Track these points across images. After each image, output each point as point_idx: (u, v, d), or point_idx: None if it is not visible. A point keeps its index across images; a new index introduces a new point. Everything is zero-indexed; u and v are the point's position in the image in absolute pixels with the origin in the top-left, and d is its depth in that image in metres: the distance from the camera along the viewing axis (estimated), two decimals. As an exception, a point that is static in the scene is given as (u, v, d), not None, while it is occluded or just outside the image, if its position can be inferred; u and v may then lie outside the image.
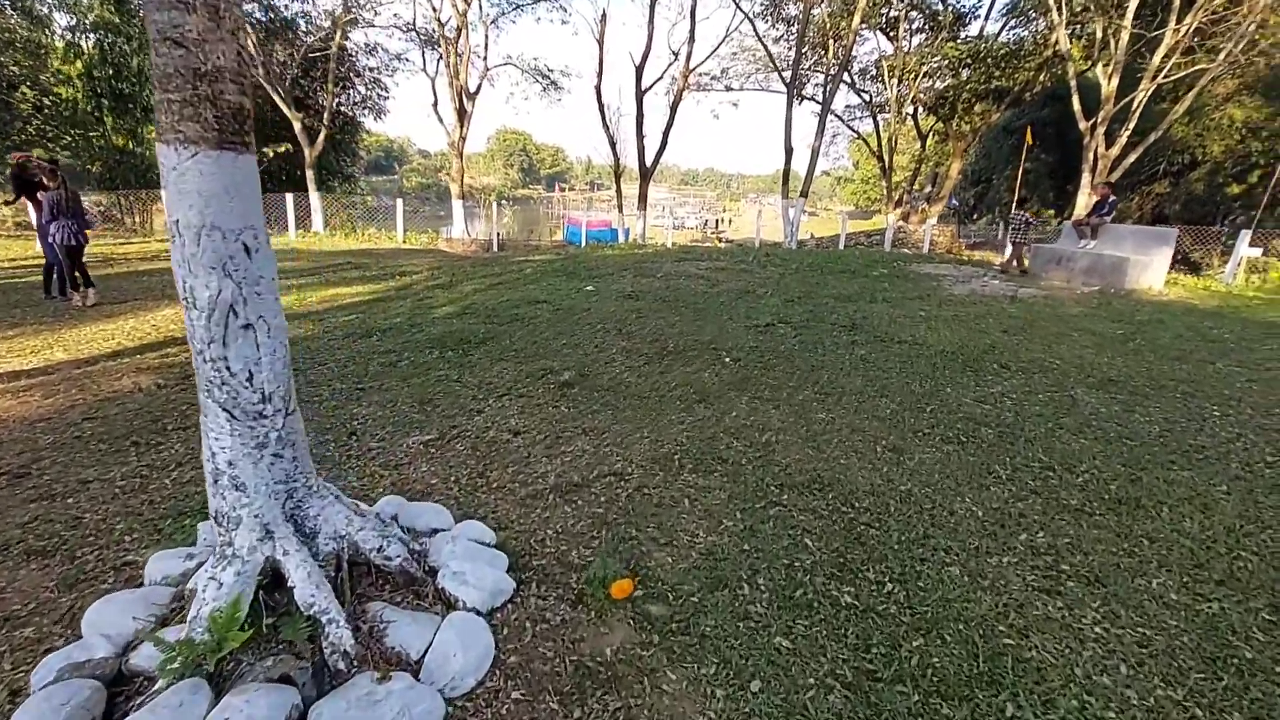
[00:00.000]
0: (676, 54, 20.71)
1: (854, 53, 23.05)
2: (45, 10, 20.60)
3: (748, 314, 6.94)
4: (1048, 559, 2.46)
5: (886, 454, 3.40)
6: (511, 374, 4.67)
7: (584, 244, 19.09)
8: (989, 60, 24.38)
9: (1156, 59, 16.83)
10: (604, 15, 19.74)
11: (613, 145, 20.91)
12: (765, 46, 20.61)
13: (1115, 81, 16.87)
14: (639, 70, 20.04)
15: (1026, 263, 11.31)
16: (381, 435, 3.51)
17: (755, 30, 19.98)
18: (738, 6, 18.65)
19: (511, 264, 11.75)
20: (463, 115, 20.03)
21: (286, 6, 24.76)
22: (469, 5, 19.57)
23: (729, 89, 32.15)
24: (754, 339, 5.76)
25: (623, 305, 7.31)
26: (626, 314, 6.77)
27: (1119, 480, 3.15)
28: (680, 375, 4.64)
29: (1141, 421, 4.03)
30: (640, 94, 20.33)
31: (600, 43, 19.78)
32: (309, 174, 19.72)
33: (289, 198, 16.20)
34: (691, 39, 19.06)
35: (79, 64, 20.29)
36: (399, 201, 16.67)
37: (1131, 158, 17.60)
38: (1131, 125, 17.46)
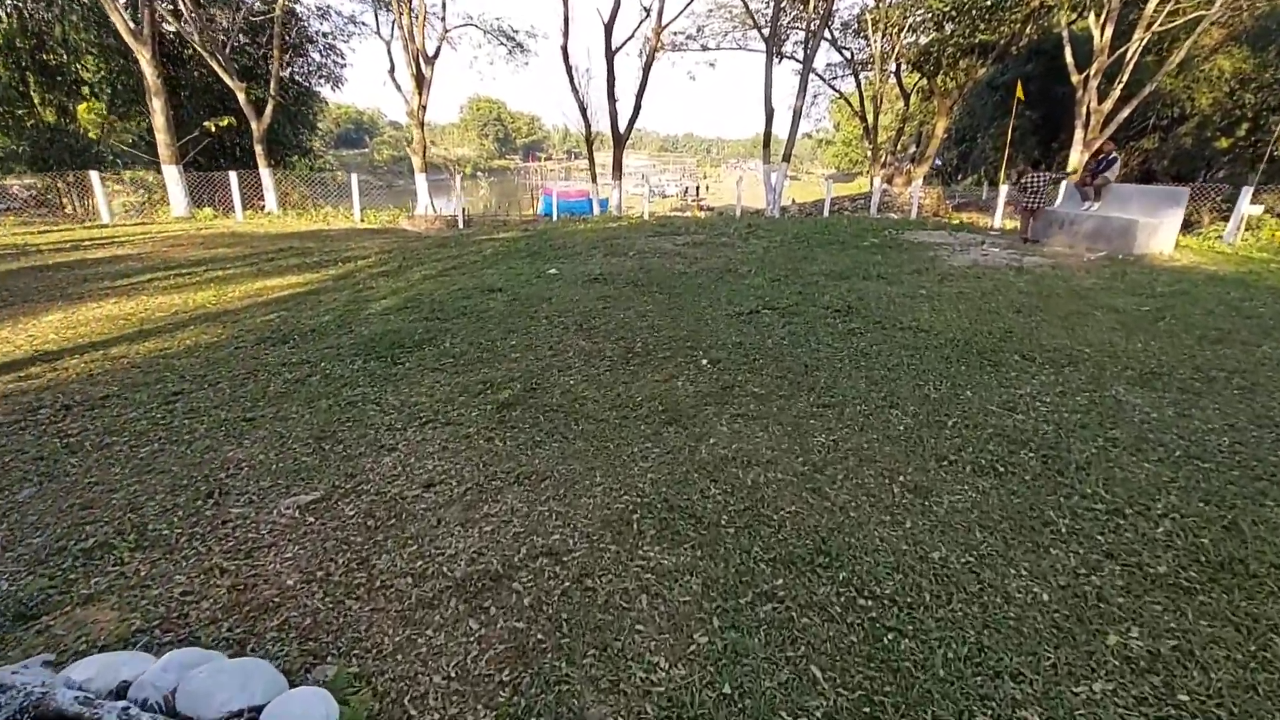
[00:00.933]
0: (648, 10, 19.42)
1: (835, 6, 21.87)
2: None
3: (729, 298, 6.13)
4: (1156, 683, 1.72)
5: (907, 497, 2.65)
6: (444, 390, 3.84)
7: (556, 217, 18.05)
8: (973, 13, 23.33)
9: (1150, 7, 15.96)
10: (568, -34, 18.39)
11: (583, 111, 19.71)
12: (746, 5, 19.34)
13: (1109, 32, 15.97)
14: (608, 29, 18.77)
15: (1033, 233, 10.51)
16: (251, 495, 2.68)
17: None
18: None
19: (473, 244, 10.79)
20: (421, 81, 18.68)
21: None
22: (422, -41, 18.08)
23: (705, 48, 30.73)
24: (736, 331, 4.96)
25: (588, 292, 6.46)
26: (591, 303, 5.93)
27: (1209, 529, 2.43)
28: (648, 385, 3.85)
29: (1203, 430, 3.32)
30: (610, 55, 19.08)
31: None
32: (258, 149, 18.36)
33: (233, 176, 14.95)
34: (663, -7, 17.78)
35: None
36: (353, 178, 15.47)
37: (1125, 112, 16.83)
38: (1125, 78, 16.66)
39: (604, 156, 25.66)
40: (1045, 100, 32.87)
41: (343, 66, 27.03)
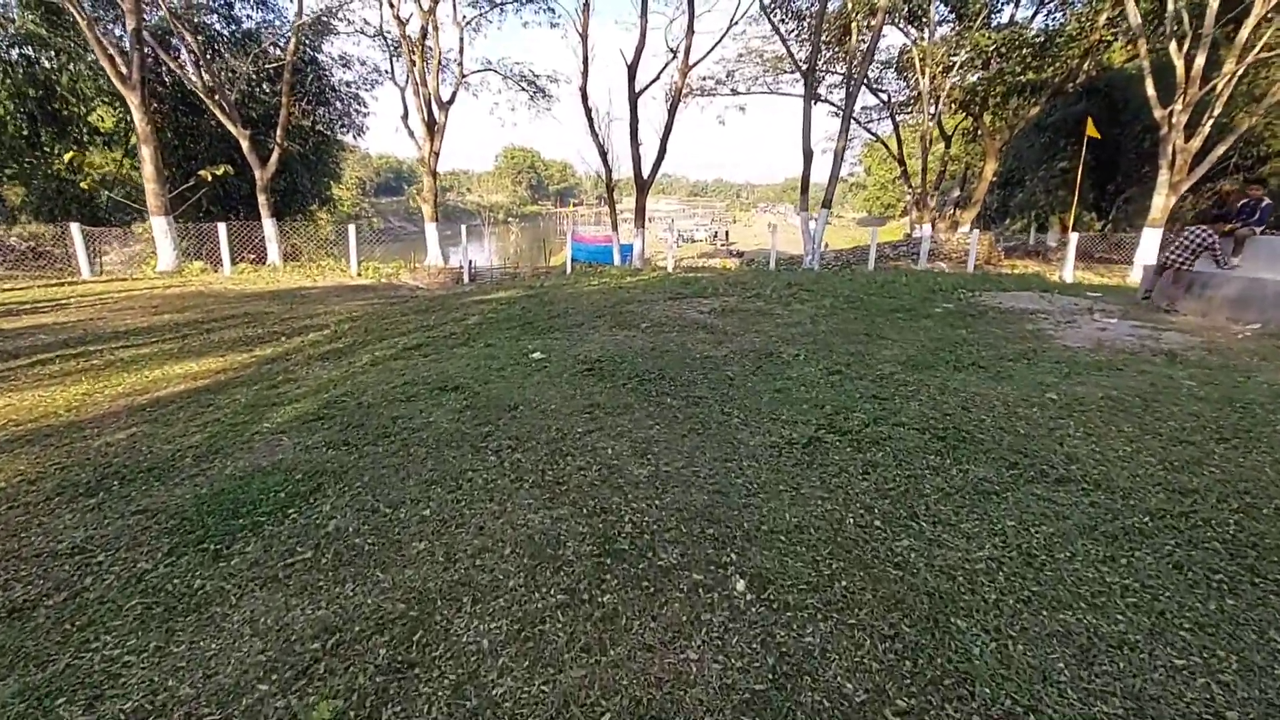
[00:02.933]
0: (675, 51, 18.25)
1: (878, 44, 20.50)
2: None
3: (773, 409, 4.28)
4: None
5: None
6: (246, 652, 2.05)
7: (573, 266, 16.55)
8: (1025, 49, 21.74)
9: (1244, 33, 14.08)
10: (586, 3, 17.37)
11: (603, 154, 18.43)
12: (781, 33, 18.01)
13: (1200, 61, 14.05)
14: (631, 70, 17.59)
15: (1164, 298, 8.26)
16: None
17: (769, 18, 17.41)
18: None
19: (464, 306, 9.21)
20: (433, 127, 17.68)
21: (249, 16, 22.89)
22: (435, 2, 17.27)
23: (735, 93, 29.78)
24: (789, 489, 3.09)
25: (574, 393, 4.68)
26: (572, 418, 4.13)
27: None
28: (631, 662, 1.99)
29: None
30: (634, 97, 17.86)
31: (584, 37, 17.34)
32: (261, 198, 17.40)
33: (221, 228, 13.84)
34: (690, 30, 16.58)
35: (8, 83, 18.21)
36: (351, 230, 14.23)
37: (1220, 149, 14.75)
38: (1215, 112, 14.67)
39: (629, 202, 24.44)
40: (1099, 142, 30.99)
41: (365, 115, 26.59)
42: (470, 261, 15.24)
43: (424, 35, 17.01)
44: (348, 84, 25.25)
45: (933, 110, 20.91)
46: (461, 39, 19.00)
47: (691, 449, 3.58)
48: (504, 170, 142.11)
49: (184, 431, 4.06)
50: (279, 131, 17.57)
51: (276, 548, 2.63)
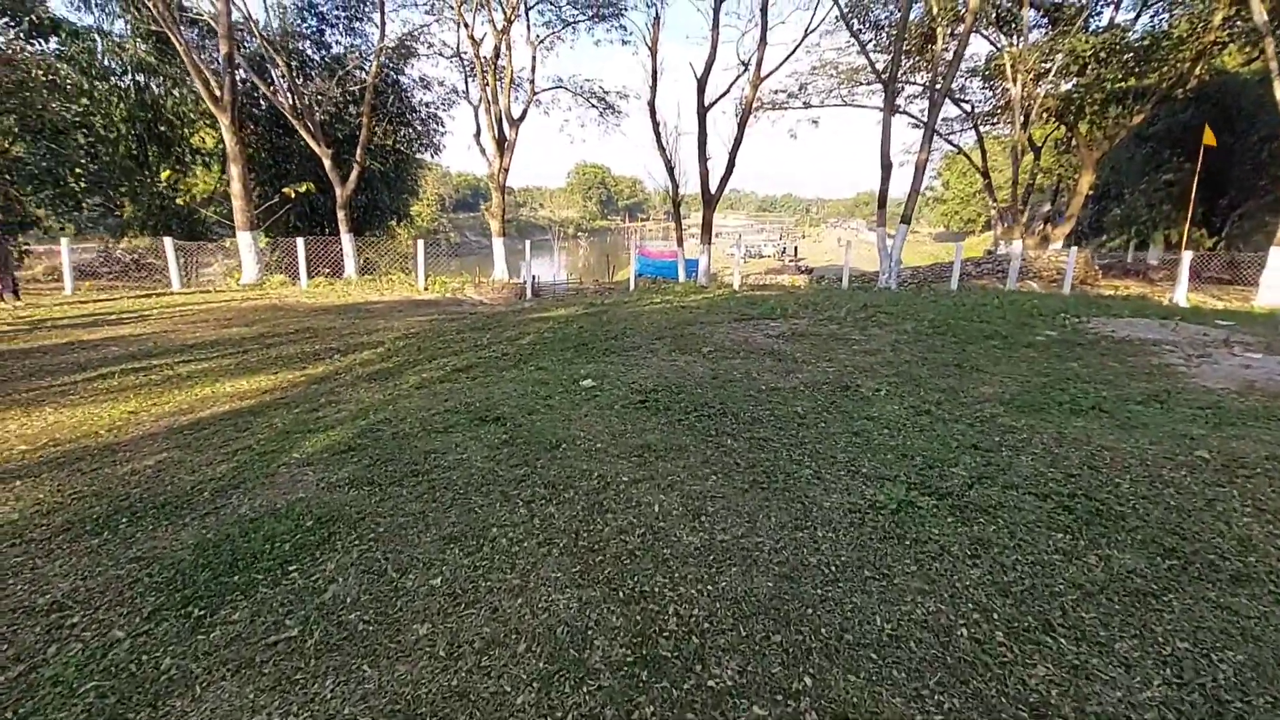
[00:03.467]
0: (746, 64, 17.75)
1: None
2: (97, 57, 20.06)
3: (851, 456, 3.66)
4: None
5: None
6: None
7: (637, 280, 16.20)
8: (1127, 54, 19.98)
9: None
10: (656, 18, 17.17)
11: (670, 169, 18.08)
12: (860, 41, 17.18)
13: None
14: (701, 83, 17.20)
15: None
16: None
17: (847, 25, 16.63)
18: None
19: (521, 324, 8.95)
20: (503, 144, 17.85)
21: (337, 42, 24.02)
22: (510, 23, 17.48)
23: (807, 105, 28.95)
24: (878, 580, 2.47)
25: (624, 428, 4.21)
26: (619, 460, 3.66)
27: None
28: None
29: None
30: (703, 111, 17.45)
31: (653, 51, 17.11)
32: (340, 214, 18.01)
33: (299, 243, 14.29)
34: (763, 42, 16.04)
35: (121, 108, 19.69)
36: (419, 245, 14.41)
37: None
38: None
39: (696, 217, 24.04)
40: (1210, 153, 28.34)
41: (443, 134, 27.41)
42: (534, 277, 15.17)
43: (496, 55, 17.25)
44: (427, 104, 26.16)
45: (1023, 120, 19.43)
46: (534, 57, 19.22)
47: (754, 509, 3.02)
48: (575, 186, 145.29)
49: (211, 460, 3.85)
50: (359, 151, 18.18)
51: (264, 618, 2.27)
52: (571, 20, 20.36)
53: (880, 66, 28.45)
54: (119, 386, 5.60)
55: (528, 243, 15.00)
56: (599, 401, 4.84)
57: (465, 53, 19.00)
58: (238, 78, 20.42)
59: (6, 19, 18.58)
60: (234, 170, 14.44)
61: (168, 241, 14.01)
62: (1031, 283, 19.96)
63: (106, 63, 20.16)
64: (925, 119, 15.89)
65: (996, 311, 8.72)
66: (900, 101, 27.95)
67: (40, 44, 22.37)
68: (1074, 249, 14.47)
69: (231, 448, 4.06)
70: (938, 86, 15.30)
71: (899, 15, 22.64)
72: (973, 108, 28.93)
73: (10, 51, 19.17)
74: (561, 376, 5.69)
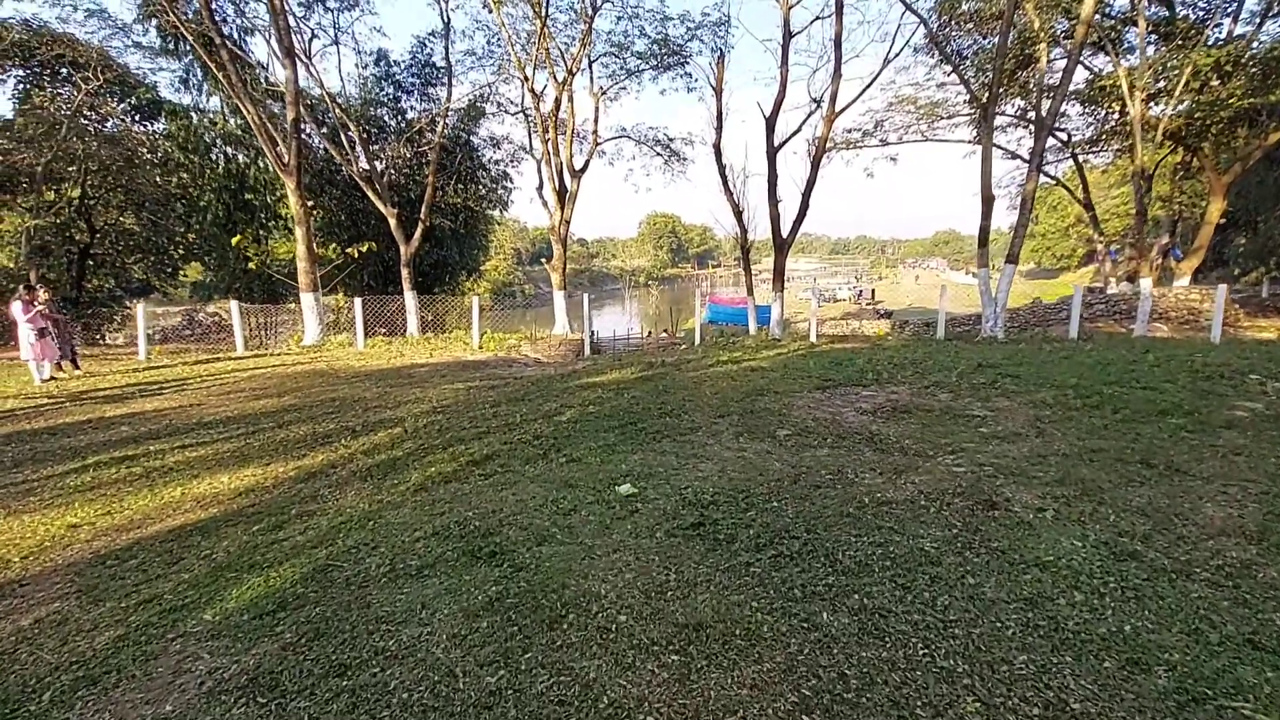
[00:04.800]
0: (818, 100, 16.60)
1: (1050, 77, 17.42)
2: (193, 133, 21.31)
3: (1037, 660, 2.20)
4: None
5: None
6: None
7: (699, 340, 14.93)
8: (1253, 67, 17.42)
9: None
10: (720, 56, 16.37)
11: (738, 214, 16.95)
12: (952, 61, 15.67)
13: None
14: (770, 123, 16.15)
15: None
16: None
17: (939, 48, 15.18)
18: (912, 11, 14.11)
19: (565, 392, 7.86)
20: (563, 196, 17.35)
21: (412, 108, 24.77)
22: (572, 75, 17.19)
23: (884, 143, 27.42)
24: None
25: (666, 580, 2.89)
26: (651, 653, 2.34)
27: None
28: None
29: None
30: (772, 151, 16.35)
31: (718, 91, 16.27)
32: (404, 272, 17.91)
33: (357, 303, 14.00)
34: (837, 74, 14.86)
35: (212, 179, 20.71)
36: (475, 301, 13.81)
37: None
38: None
39: (770, 263, 22.75)
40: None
41: (511, 190, 27.66)
42: (593, 333, 14.26)
43: (557, 107, 16.96)
44: (496, 162, 26.51)
45: (1149, 139, 17.14)
46: (597, 108, 18.86)
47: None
48: (646, 236, 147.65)
49: (100, 621, 2.82)
50: (424, 209, 18.15)
51: None
52: (635, 70, 19.98)
53: (950, 108, 26.76)
54: (88, 484, 4.82)
55: (585, 297, 14.13)
56: (636, 524, 3.55)
57: (529, 109, 18.86)
58: (315, 145, 21.30)
59: (116, 99, 20.08)
60: (299, 233, 14.46)
61: (233, 305, 14.05)
62: (1161, 326, 17.28)
63: (204, 138, 21.45)
64: (1019, 150, 14.13)
65: (1155, 371, 6.86)
66: (976, 135, 25.99)
67: (147, 125, 24.33)
68: (1222, 286, 12.09)
69: (139, 596, 3.04)
70: (1045, 110, 13.54)
71: (986, 40, 21.08)
72: (1069, 136, 26.50)
73: (119, 132, 20.71)
74: (596, 474, 4.46)
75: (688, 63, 19.24)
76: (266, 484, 4.77)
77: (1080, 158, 27.08)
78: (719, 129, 16.63)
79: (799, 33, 15.86)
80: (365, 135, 23.25)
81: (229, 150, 20.57)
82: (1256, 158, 18.03)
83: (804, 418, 5.61)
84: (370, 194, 17.30)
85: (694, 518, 3.56)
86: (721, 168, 16.57)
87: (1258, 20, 18.40)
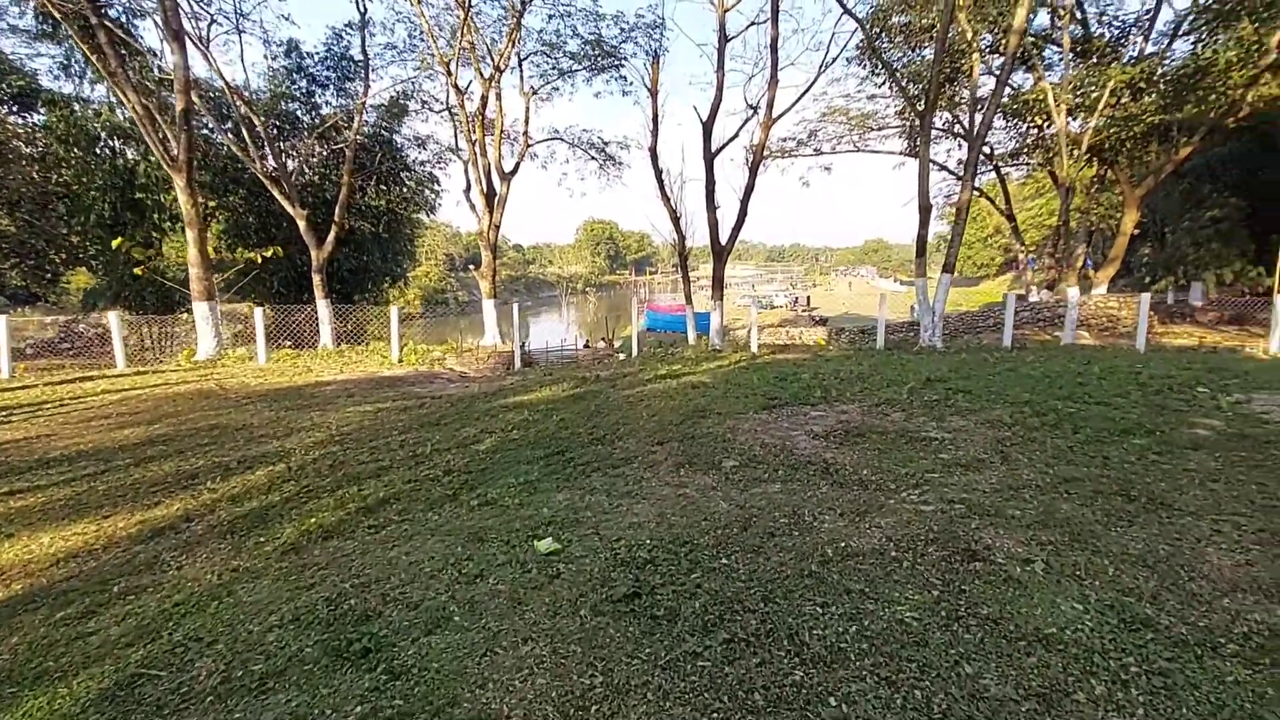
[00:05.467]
0: (755, 107, 16.37)
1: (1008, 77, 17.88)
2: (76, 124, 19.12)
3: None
4: None
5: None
6: None
7: (635, 351, 14.32)
8: (1168, 84, 18.48)
9: None
10: (655, 57, 15.93)
11: (675, 220, 16.49)
12: (889, 67, 15.69)
13: None
14: (707, 127, 15.79)
15: None
16: None
17: (878, 56, 15.14)
18: (850, 15, 13.99)
19: (486, 414, 7.05)
20: (492, 199, 16.43)
21: (327, 103, 23.20)
22: (499, 72, 16.33)
23: (818, 152, 27.81)
24: None
25: (591, 687, 2.21)
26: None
27: None
28: None
29: None
30: (710, 156, 15.99)
31: (653, 93, 15.79)
32: (315, 279, 16.51)
33: (258, 313, 12.66)
34: (774, 80, 14.64)
35: (98, 175, 18.64)
36: (393, 311, 12.72)
37: None
38: None
39: (709, 270, 22.47)
40: (1254, 186, 26.56)
41: (439, 193, 26.42)
42: (524, 344, 13.43)
43: (484, 105, 16.05)
44: (422, 163, 25.19)
45: (1074, 153, 17.76)
46: (528, 109, 18.03)
47: None
48: (584, 242, 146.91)
49: None
50: (337, 211, 16.81)
51: None
52: (569, 71, 19.29)
53: (882, 119, 27.42)
54: None
55: (517, 306, 13.25)
56: (557, 594, 2.85)
57: (454, 107, 17.84)
58: (215, 140, 19.49)
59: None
60: (190, 235, 12.97)
61: (112, 316, 12.44)
62: (1084, 333, 17.92)
63: (88, 130, 19.26)
64: (947, 161, 14.30)
65: (1104, 385, 6.70)
66: (911, 145, 26.69)
67: (24, 117, 21.78)
68: (1145, 296, 12.46)
69: None
70: (978, 121, 13.70)
71: (915, 52, 21.54)
72: (992, 149, 27.58)
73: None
74: (513, 522, 3.73)
75: (622, 65, 18.73)
76: (97, 546, 3.80)
77: (1001, 170, 28.23)
78: (654, 132, 16.18)
79: (735, 37, 15.62)
80: (276, 131, 21.61)
81: (116, 144, 18.54)
82: (1168, 171, 19.03)
83: (751, 444, 5.04)
84: (276, 193, 15.87)
85: (627, 584, 2.88)
86: (658, 172, 16.11)
87: (1167, 39, 19.48)
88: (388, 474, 4.90)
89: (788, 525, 3.49)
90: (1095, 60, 19.41)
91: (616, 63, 18.81)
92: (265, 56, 21.59)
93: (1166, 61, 18.91)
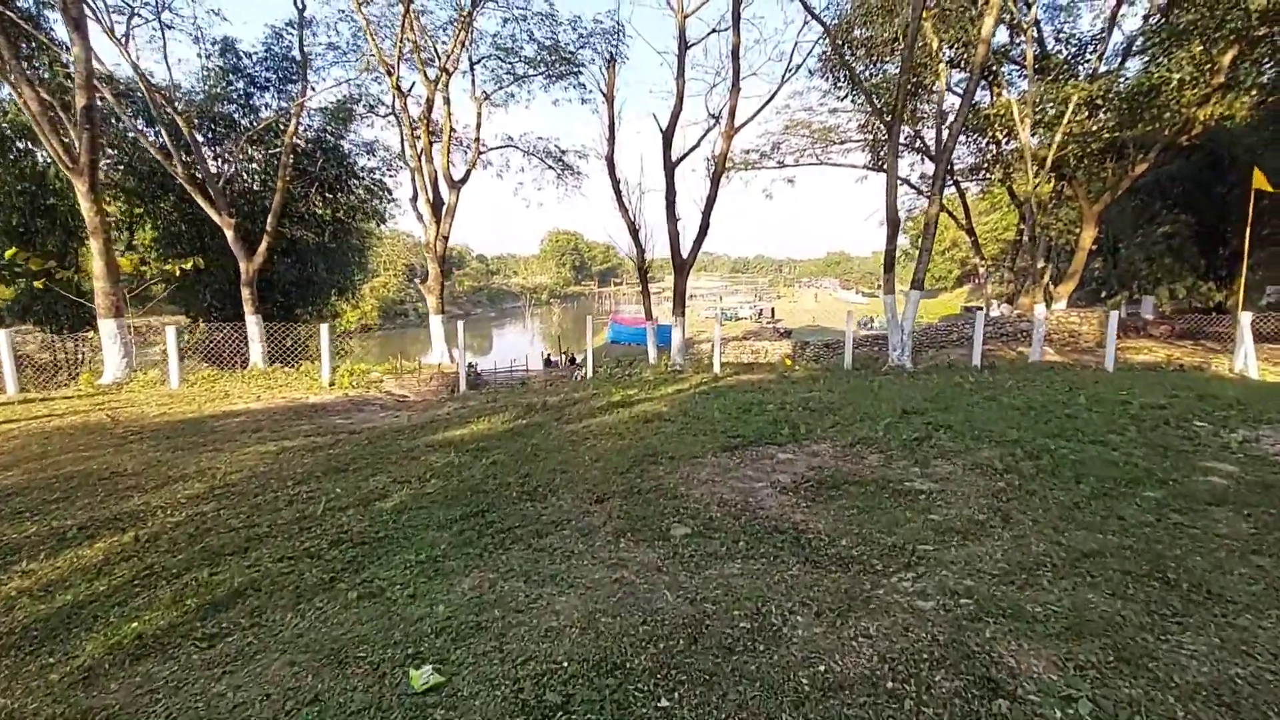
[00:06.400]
0: (717, 116, 15.78)
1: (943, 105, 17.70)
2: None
3: None
4: None
5: None
6: None
7: (590, 372, 13.43)
8: (1125, 101, 18.62)
9: None
10: (611, 60, 15.21)
11: (634, 232, 15.72)
12: (853, 73, 15.24)
13: None
14: (667, 136, 15.13)
15: None
16: None
17: (842, 60, 14.66)
18: (816, 19, 13.49)
19: (406, 457, 6.10)
20: (438, 208, 15.42)
21: (267, 105, 21.90)
22: (446, 74, 15.39)
23: (782, 165, 27.54)
24: None
25: None
26: None
27: None
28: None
29: None
30: (670, 166, 15.32)
31: (609, 98, 15.06)
32: (244, 293, 15.22)
33: (170, 331, 11.40)
34: (735, 88, 14.06)
35: (7, 179, 17.00)
36: (323, 330, 11.61)
37: None
38: None
39: (666, 283, 21.74)
40: (1203, 203, 27.17)
41: (389, 202, 25.21)
42: (471, 365, 12.44)
43: (429, 108, 15.08)
44: (370, 170, 23.97)
45: (1035, 170, 17.65)
46: (479, 114, 17.11)
47: None
48: (548, 253, 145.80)
49: None
50: (270, 219, 15.56)
51: None
52: (524, 77, 18.46)
53: (844, 133, 27.30)
54: None
55: (461, 324, 12.24)
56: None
57: (399, 110, 16.80)
58: (131, 139, 17.99)
59: None
60: (94, 245, 11.67)
61: (1, 334, 11.03)
62: (1048, 349, 17.74)
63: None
64: (910, 175, 13.91)
65: (1093, 417, 6.11)
66: (874, 158, 26.61)
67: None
68: (1114, 314, 12.19)
69: None
70: (945, 134, 13.33)
71: (878, 65, 21.34)
72: (952, 165, 27.69)
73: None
74: (394, 630, 2.83)
75: (581, 72, 18.02)
76: None
77: (961, 185, 28.38)
78: (611, 140, 15.40)
79: (695, 44, 15.04)
80: (211, 134, 20.25)
81: (22, 145, 16.95)
82: (1124, 188, 19.12)
83: (707, 500, 4.24)
84: (200, 200, 14.58)
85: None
86: (615, 181, 15.31)
87: (1119, 59, 19.68)
88: (259, 547, 3.94)
89: (750, 634, 2.68)
90: (1053, 77, 19.46)
91: (574, 69, 18.09)
92: (199, 55, 20.16)
93: (1121, 80, 19.07)
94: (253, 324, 14.85)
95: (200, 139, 20.73)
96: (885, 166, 12.44)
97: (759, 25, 28.67)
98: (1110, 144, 19.82)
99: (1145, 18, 19.84)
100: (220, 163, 20.32)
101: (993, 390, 7.88)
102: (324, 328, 11.50)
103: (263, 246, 15.33)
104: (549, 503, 4.45)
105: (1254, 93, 19.59)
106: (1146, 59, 19.41)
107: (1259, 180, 12.55)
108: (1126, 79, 19.13)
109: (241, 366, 14.99)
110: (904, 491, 4.26)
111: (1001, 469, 4.62)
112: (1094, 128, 18.92)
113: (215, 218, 14.75)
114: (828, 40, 16.56)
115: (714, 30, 15.43)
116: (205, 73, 20.87)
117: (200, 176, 14.97)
